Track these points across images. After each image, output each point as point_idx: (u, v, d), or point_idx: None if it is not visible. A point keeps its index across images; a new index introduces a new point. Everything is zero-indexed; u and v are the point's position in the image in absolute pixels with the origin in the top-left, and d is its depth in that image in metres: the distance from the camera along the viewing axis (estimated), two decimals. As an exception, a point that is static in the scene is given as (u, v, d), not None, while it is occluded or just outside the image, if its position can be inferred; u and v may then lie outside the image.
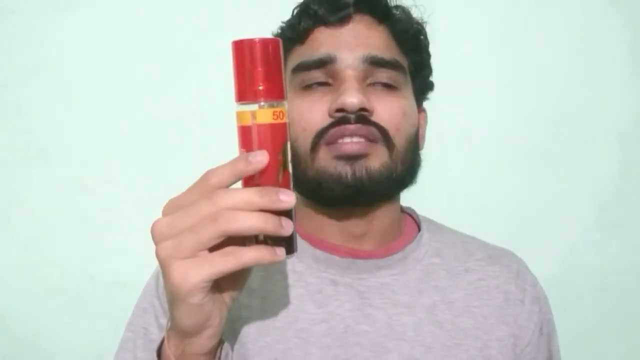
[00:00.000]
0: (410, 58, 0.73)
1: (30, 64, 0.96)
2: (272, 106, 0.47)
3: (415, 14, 0.75)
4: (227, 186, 0.47)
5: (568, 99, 1.03)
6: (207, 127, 0.98)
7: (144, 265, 0.73)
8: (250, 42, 0.46)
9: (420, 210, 0.81)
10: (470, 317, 0.69)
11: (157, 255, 0.47)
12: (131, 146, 0.99)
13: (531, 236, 1.02)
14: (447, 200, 0.99)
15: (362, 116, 0.64)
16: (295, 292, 0.68)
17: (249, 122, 0.47)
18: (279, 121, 0.47)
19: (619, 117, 1.04)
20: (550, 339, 0.75)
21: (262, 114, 0.47)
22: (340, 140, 0.64)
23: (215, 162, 0.48)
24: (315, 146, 0.65)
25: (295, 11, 0.73)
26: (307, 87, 0.68)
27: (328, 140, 0.65)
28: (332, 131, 0.64)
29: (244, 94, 0.47)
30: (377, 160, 0.65)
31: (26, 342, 0.98)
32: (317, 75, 0.67)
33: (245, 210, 0.45)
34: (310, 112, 0.66)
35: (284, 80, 0.49)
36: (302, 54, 0.69)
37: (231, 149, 0.50)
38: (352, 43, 0.67)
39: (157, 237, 0.47)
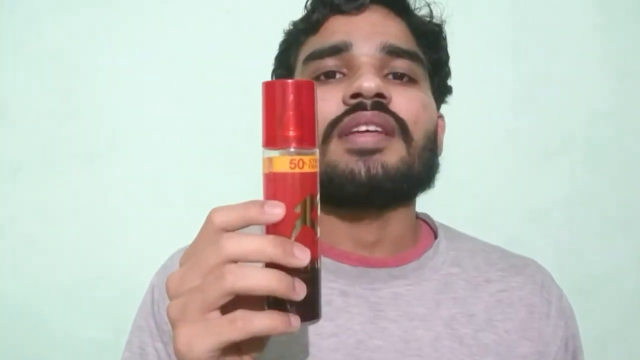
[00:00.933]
0: (428, 55, 0.69)
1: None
2: (289, 154, 0.43)
3: (434, 12, 0.72)
4: (234, 230, 0.41)
5: (570, 100, 1.03)
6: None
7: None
8: (280, 84, 0.43)
9: (425, 211, 0.77)
10: (493, 332, 0.64)
11: (167, 314, 0.42)
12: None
13: (531, 236, 1.02)
14: (450, 200, 0.96)
15: (379, 103, 0.59)
16: None
17: (267, 169, 0.43)
18: (297, 171, 0.42)
19: (620, 117, 1.04)
20: (575, 356, 0.70)
21: (279, 161, 0.43)
22: (354, 129, 0.59)
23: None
24: (327, 137, 0.60)
25: (309, 2, 0.70)
26: (320, 78, 0.64)
27: (341, 131, 0.60)
28: (347, 120, 0.60)
29: (265, 140, 0.44)
30: (394, 154, 0.60)
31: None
32: (330, 63, 0.63)
33: (255, 259, 0.40)
34: (322, 102, 0.60)
35: (315, 129, 0.44)
36: (315, 43, 0.66)
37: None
38: (368, 31, 0.64)
39: (170, 293, 0.43)
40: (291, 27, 0.72)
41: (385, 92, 0.60)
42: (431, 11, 0.71)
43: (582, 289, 1.00)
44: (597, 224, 1.04)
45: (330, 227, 0.66)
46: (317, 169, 0.44)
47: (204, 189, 0.97)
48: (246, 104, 0.93)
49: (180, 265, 0.43)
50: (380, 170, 0.59)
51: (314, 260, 0.43)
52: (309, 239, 0.43)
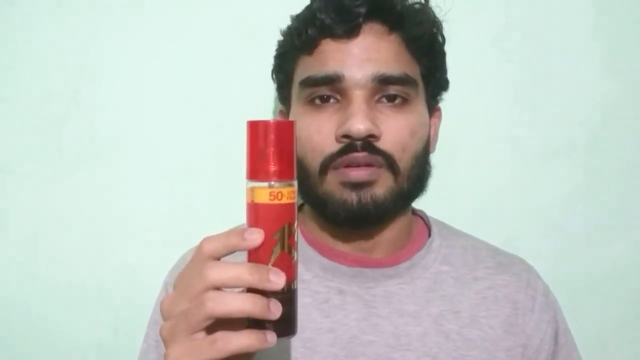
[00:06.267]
0: (423, 63, 0.70)
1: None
2: (270, 187, 0.47)
3: (430, 16, 0.71)
4: (219, 257, 0.47)
5: (571, 101, 1.01)
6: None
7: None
8: (263, 124, 0.48)
9: (423, 208, 0.80)
10: (477, 328, 0.69)
11: (160, 335, 0.49)
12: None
13: (531, 236, 1.02)
14: (450, 200, 0.97)
15: (368, 143, 0.63)
16: (302, 301, 0.68)
17: (249, 199, 0.48)
18: (276, 202, 0.47)
19: (621, 118, 1.02)
20: (569, 351, 0.74)
21: (260, 193, 0.47)
22: (347, 164, 0.64)
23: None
24: (323, 169, 0.66)
25: (302, 16, 0.70)
26: (315, 104, 0.67)
27: (335, 166, 0.65)
28: (340, 160, 0.64)
29: (248, 173, 0.49)
30: (382, 186, 0.65)
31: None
32: (324, 91, 0.66)
33: (234, 285, 0.45)
34: (318, 134, 0.66)
35: (294, 163, 0.49)
36: (310, 67, 0.68)
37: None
38: (361, 58, 0.65)
39: (163, 315, 0.49)
40: (286, 29, 0.73)
41: (375, 132, 0.63)
42: (427, 16, 0.70)
43: (581, 289, 1.00)
44: (597, 224, 1.02)
45: (328, 234, 0.71)
46: (295, 199, 0.49)
47: (205, 191, 0.96)
48: (247, 105, 0.93)
49: (174, 288, 0.49)
50: (369, 200, 0.65)
51: (290, 282, 0.48)
52: (285, 264, 0.48)
